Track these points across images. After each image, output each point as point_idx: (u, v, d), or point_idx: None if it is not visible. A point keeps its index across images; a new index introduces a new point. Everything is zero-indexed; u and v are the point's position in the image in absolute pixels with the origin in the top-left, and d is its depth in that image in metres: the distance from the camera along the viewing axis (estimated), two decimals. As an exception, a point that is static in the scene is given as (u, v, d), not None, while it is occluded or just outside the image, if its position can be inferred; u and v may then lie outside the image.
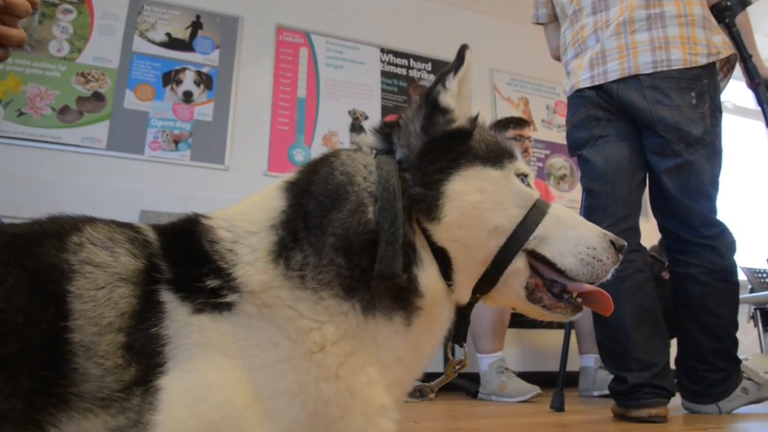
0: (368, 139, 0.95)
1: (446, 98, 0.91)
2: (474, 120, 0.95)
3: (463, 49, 0.95)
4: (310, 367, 0.73)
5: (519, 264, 0.89)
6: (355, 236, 0.79)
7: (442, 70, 0.95)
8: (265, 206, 0.84)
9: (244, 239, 0.79)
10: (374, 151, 0.92)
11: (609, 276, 0.92)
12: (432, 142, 0.89)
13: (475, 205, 0.85)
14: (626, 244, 0.95)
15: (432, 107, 0.91)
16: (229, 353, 0.71)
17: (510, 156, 0.94)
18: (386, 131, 0.94)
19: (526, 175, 0.95)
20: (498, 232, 0.87)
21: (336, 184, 0.84)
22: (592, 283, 0.92)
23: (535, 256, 0.90)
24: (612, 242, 0.92)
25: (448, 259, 0.85)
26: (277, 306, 0.75)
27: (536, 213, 0.90)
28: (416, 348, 0.84)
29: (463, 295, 0.89)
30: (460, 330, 0.93)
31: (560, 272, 0.90)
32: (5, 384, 0.62)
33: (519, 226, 0.88)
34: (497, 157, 0.91)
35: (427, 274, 0.83)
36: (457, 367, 0.96)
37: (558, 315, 0.92)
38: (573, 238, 0.90)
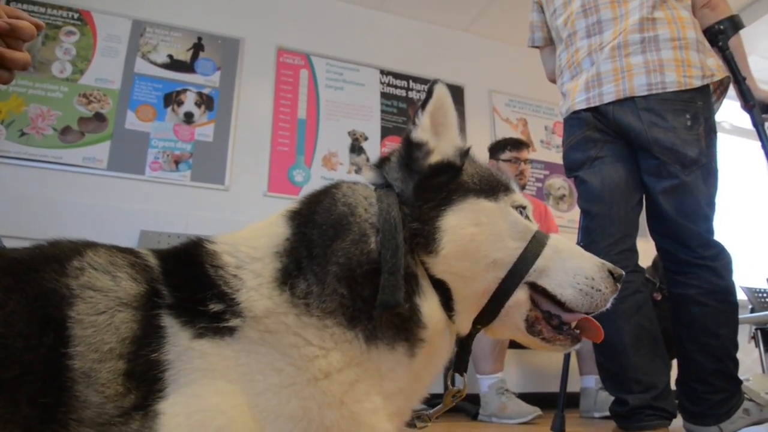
0: (368, 174, 0.97)
1: (417, 133, 0.93)
2: (464, 154, 0.96)
3: (432, 84, 0.97)
4: (314, 393, 0.73)
5: (520, 296, 0.90)
6: (358, 266, 0.80)
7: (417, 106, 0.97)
8: (269, 233, 0.85)
9: (248, 265, 0.80)
10: (374, 186, 0.94)
11: (608, 305, 0.92)
12: (422, 180, 0.90)
13: (472, 238, 0.86)
14: (624, 273, 0.95)
15: (408, 143, 0.94)
16: (230, 378, 0.70)
17: (506, 188, 0.95)
18: (381, 166, 0.97)
19: (524, 207, 0.96)
20: (497, 265, 0.88)
21: (338, 214, 0.85)
22: (589, 314, 0.93)
23: (534, 288, 0.91)
24: (610, 272, 0.93)
25: (448, 291, 0.86)
26: (282, 332, 0.75)
27: (535, 245, 0.91)
28: (417, 379, 0.85)
29: (464, 326, 0.90)
30: (461, 359, 0.94)
31: (559, 304, 0.91)
32: (4, 410, 0.62)
33: (519, 258, 0.89)
34: (492, 189, 0.93)
35: (430, 305, 0.84)
36: (455, 396, 0.96)
37: (557, 347, 0.93)
38: (571, 268, 0.91)
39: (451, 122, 0.98)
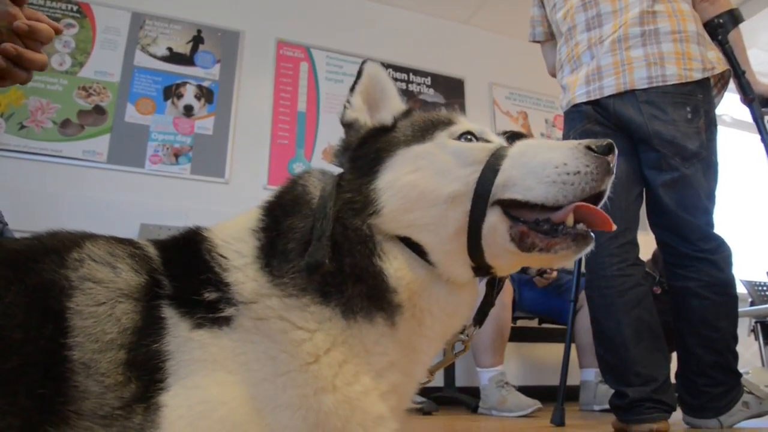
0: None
1: (347, 114, 0.97)
2: (402, 115, 0.97)
3: (361, 65, 0.99)
4: (307, 379, 0.74)
5: (491, 219, 0.81)
6: (309, 239, 0.81)
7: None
8: (249, 217, 0.89)
9: (231, 245, 0.82)
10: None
11: (607, 184, 0.82)
12: (352, 153, 0.92)
13: (413, 185, 0.83)
14: (611, 142, 0.83)
15: (344, 126, 0.98)
16: (229, 368, 0.71)
17: (444, 123, 0.92)
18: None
19: (470, 133, 0.90)
20: (455, 199, 0.82)
21: (295, 194, 0.89)
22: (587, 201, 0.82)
23: (508, 205, 0.82)
24: (589, 147, 0.82)
25: (416, 245, 0.83)
26: (270, 318, 0.76)
27: (494, 161, 0.83)
28: (409, 348, 0.83)
29: (457, 273, 0.84)
30: (480, 310, 0.92)
31: (540, 207, 0.81)
32: (3, 401, 0.62)
33: (477, 183, 0.82)
34: (424, 131, 0.91)
35: (393, 265, 0.81)
36: (458, 346, 0.94)
37: (562, 253, 0.80)
38: (537, 165, 0.81)
39: (389, 94, 0.99)
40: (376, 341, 0.79)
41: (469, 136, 0.89)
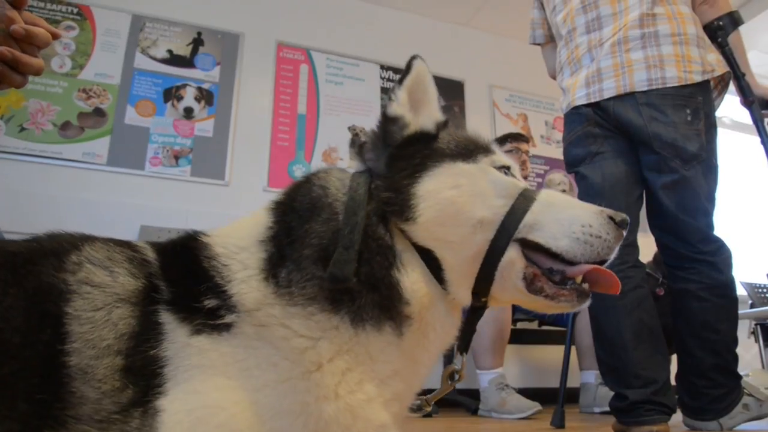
0: (352, 164, 0.97)
1: (393, 108, 0.93)
2: (442, 125, 0.96)
3: (411, 59, 0.96)
4: (309, 387, 0.73)
5: (512, 254, 0.85)
6: (330, 245, 0.79)
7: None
8: (254, 223, 0.86)
9: (235, 255, 0.80)
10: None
11: (614, 254, 0.87)
12: (395, 150, 0.90)
13: (451, 201, 0.84)
14: (627, 217, 0.90)
15: (384, 119, 0.93)
16: (229, 374, 0.70)
17: (485, 150, 0.94)
18: (360, 150, 0.96)
19: (508, 167, 0.94)
20: (483, 225, 0.85)
21: (313, 197, 0.86)
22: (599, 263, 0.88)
23: (528, 245, 0.86)
24: (611, 217, 0.87)
25: (436, 260, 0.84)
26: (272, 325, 0.75)
27: (523, 201, 0.87)
28: (412, 359, 0.83)
29: (461, 296, 0.86)
30: (463, 337, 0.91)
31: (557, 257, 0.85)
32: (2, 405, 0.61)
33: (506, 216, 0.85)
34: (469, 152, 0.92)
35: (411, 278, 0.82)
36: (454, 377, 0.92)
37: (563, 304, 0.86)
38: (565, 219, 0.86)
39: (430, 98, 0.97)
40: (382, 350, 0.79)
41: (506, 170, 0.92)
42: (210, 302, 0.74)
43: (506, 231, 0.84)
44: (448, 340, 0.89)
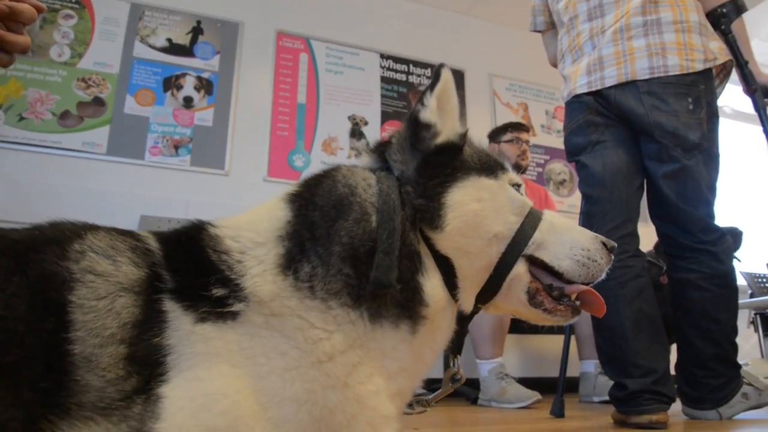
0: (364, 159, 0.98)
1: (426, 114, 0.94)
2: (464, 136, 0.98)
3: (439, 67, 0.97)
4: (318, 376, 0.74)
5: (520, 269, 0.92)
6: (361, 245, 0.80)
7: (423, 89, 0.98)
8: (270, 216, 0.85)
9: (251, 250, 0.79)
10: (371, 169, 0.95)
11: (603, 276, 0.96)
12: (427, 157, 0.92)
13: (475, 213, 0.88)
14: (616, 245, 1.00)
15: (415, 124, 0.94)
16: (233, 362, 0.70)
17: (502, 167, 0.99)
18: (380, 150, 0.97)
19: (519, 185, 0.99)
20: (498, 238, 0.90)
21: (339, 195, 0.86)
22: (587, 285, 0.96)
23: (533, 262, 0.94)
24: (603, 243, 0.97)
25: (452, 267, 0.88)
26: (286, 315, 0.75)
27: (532, 219, 0.94)
28: (419, 356, 0.86)
29: (467, 303, 0.92)
30: (457, 341, 0.96)
31: (557, 275, 0.94)
32: (6, 393, 0.61)
33: (517, 232, 0.91)
34: (491, 168, 0.96)
35: (431, 283, 0.85)
36: (454, 380, 0.98)
37: (558, 318, 0.95)
38: (568, 241, 0.94)
39: (453, 107, 0.98)
40: (395, 346, 0.82)
41: (517, 188, 0.98)
42: (218, 291, 0.73)
43: (517, 246, 0.91)
44: (446, 341, 0.93)
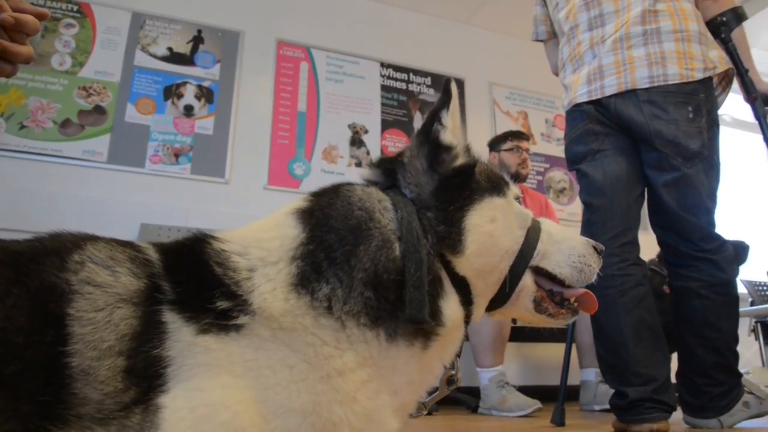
0: (366, 172, 0.97)
1: (447, 136, 0.94)
2: (469, 151, 0.99)
3: (448, 82, 0.97)
4: (326, 390, 0.73)
5: (527, 280, 0.96)
6: (385, 272, 0.80)
7: (432, 106, 0.97)
8: (281, 234, 0.83)
9: (261, 269, 0.78)
10: (372, 184, 0.95)
11: (594, 278, 1.01)
12: (444, 180, 0.91)
13: (490, 234, 0.90)
14: (605, 247, 1.06)
15: (435, 146, 0.93)
16: (236, 373, 0.69)
17: (506, 182, 1.00)
18: (387, 167, 0.96)
19: (519, 197, 1.02)
20: (508, 254, 0.93)
21: (356, 219, 0.84)
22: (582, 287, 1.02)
23: (537, 271, 0.97)
24: (594, 247, 1.02)
25: (468, 286, 0.90)
26: (298, 330, 0.74)
27: (534, 231, 0.97)
28: (428, 369, 0.87)
29: (478, 315, 0.95)
30: None
31: (558, 282, 0.98)
32: (5, 405, 0.61)
33: (523, 245, 0.94)
34: (499, 186, 0.97)
35: (450, 306, 0.86)
36: (451, 381, 0.98)
37: (560, 320, 1.00)
38: (566, 249, 0.99)
39: (458, 122, 0.98)
40: (407, 362, 0.82)
41: (519, 200, 1.01)
42: (222, 304, 0.72)
43: (524, 259, 0.94)
44: (457, 351, 0.94)
